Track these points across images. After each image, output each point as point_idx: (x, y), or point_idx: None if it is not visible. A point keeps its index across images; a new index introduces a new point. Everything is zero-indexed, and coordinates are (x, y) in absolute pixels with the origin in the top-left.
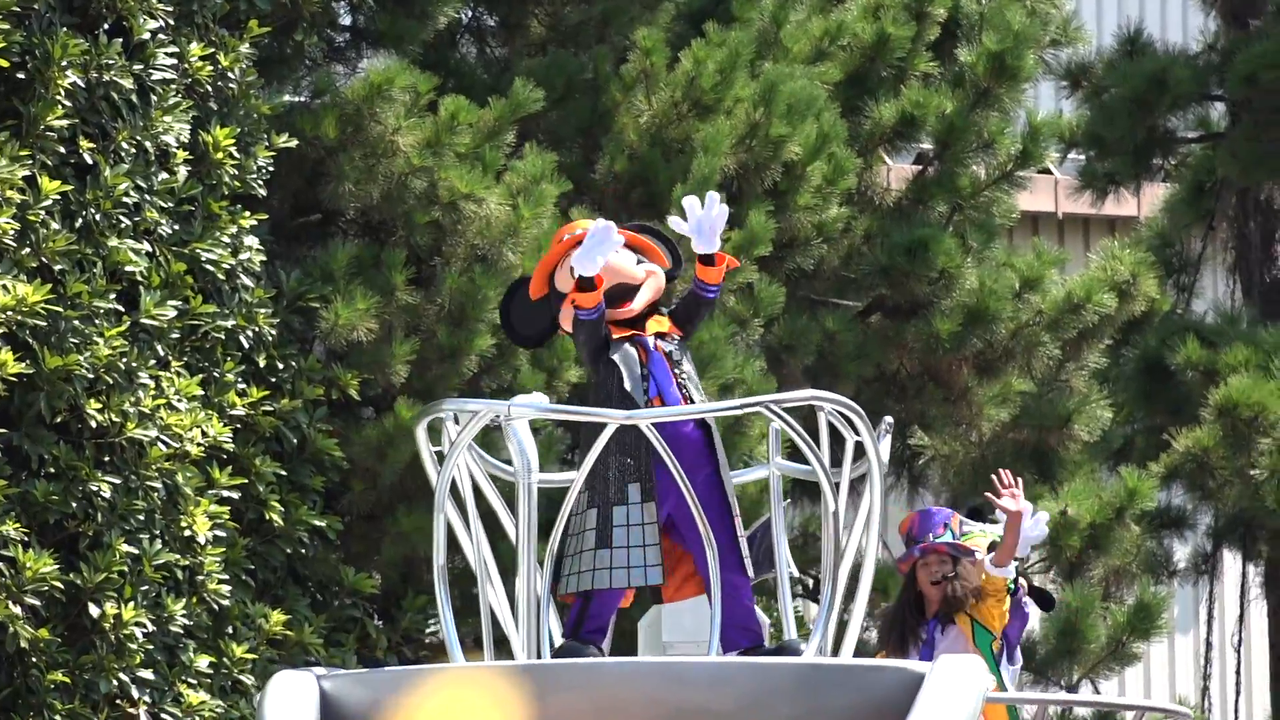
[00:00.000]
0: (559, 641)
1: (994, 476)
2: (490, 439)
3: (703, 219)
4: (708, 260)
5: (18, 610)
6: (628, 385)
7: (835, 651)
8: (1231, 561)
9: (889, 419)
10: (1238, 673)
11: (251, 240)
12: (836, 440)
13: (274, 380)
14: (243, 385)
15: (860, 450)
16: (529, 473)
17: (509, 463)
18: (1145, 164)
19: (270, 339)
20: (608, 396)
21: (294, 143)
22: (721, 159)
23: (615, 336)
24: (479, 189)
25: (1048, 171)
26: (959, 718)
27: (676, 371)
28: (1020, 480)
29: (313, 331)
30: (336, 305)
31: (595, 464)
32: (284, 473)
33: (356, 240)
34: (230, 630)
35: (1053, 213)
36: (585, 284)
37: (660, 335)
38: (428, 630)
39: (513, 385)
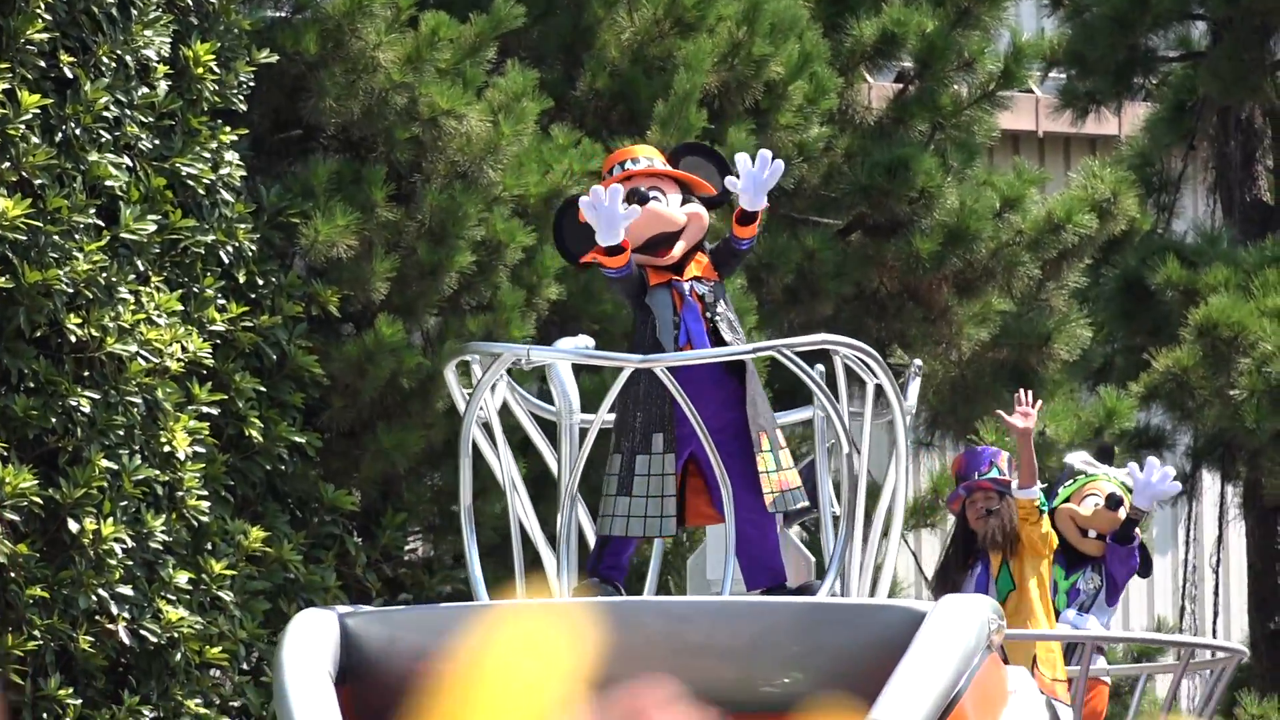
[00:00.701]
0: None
1: (1016, 396)
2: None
3: (755, 175)
4: (748, 218)
5: None
6: (659, 333)
7: (872, 591)
8: (1210, 482)
9: (918, 362)
10: (1215, 593)
11: (232, 155)
12: (856, 382)
13: (254, 296)
14: (222, 301)
15: (881, 392)
16: (571, 413)
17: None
18: (1126, 83)
19: (250, 254)
20: (640, 342)
21: (274, 58)
22: (703, 77)
23: (653, 283)
24: (460, 105)
25: (1029, 90)
26: (956, 654)
27: (709, 315)
28: (1040, 402)
29: (293, 247)
30: (317, 221)
31: (625, 411)
32: (264, 389)
33: (337, 156)
34: (209, 546)
35: (1033, 132)
36: (611, 249)
37: (697, 278)
38: (406, 547)
39: (492, 301)
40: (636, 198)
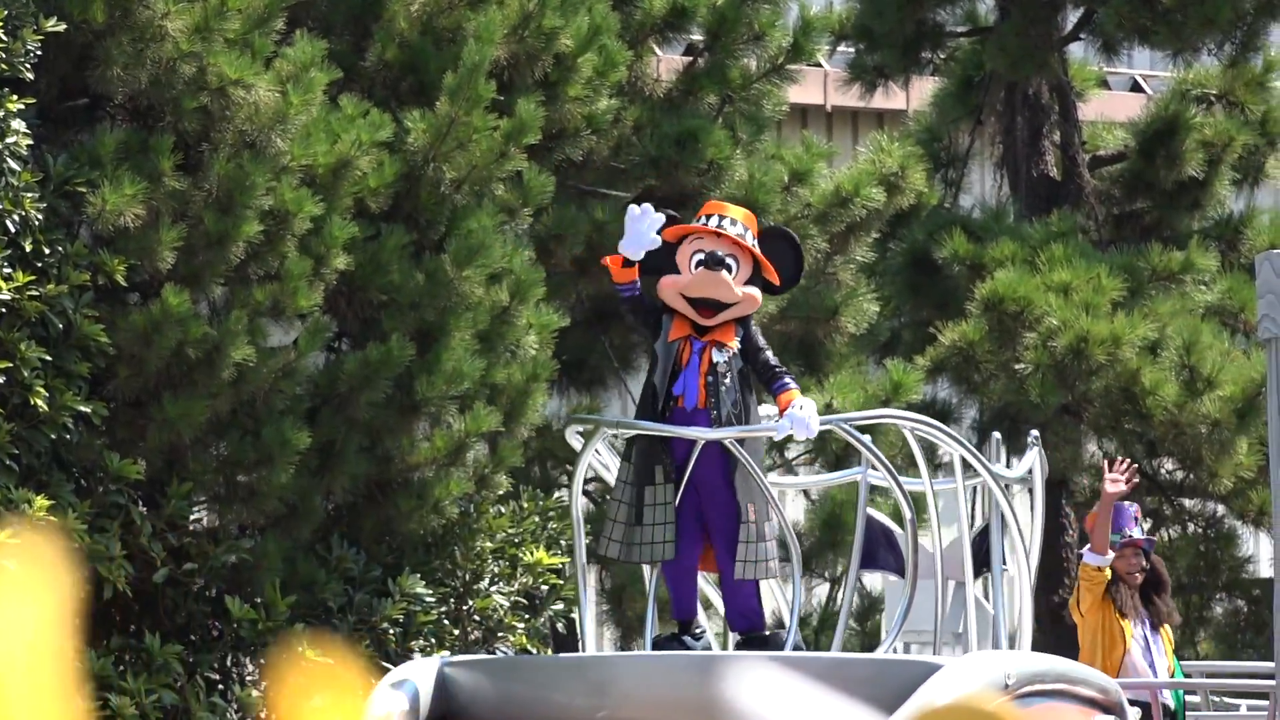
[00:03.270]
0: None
1: (1116, 461)
2: None
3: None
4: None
5: None
6: (657, 377)
7: (1012, 647)
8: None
9: (1035, 432)
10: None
11: (18, 124)
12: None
13: (40, 265)
14: (8, 269)
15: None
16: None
17: None
18: (914, 58)
19: (37, 223)
20: (649, 382)
21: (62, 26)
22: (493, 49)
23: (672, 337)
24: (248, 75)
25: (817, 64)
26: (947, 700)
27: (710, 378)
28: (1135, 466)
29: (80, 216)
30: (104, 190)
31: (642, 447)
32: (49, 358)
33: (124, 125)
34: None
35: (822, 105)
36: (628, 260)
37: (717, 344)
38: (191, 517)
39: (280, 271)
40: (714, 260)
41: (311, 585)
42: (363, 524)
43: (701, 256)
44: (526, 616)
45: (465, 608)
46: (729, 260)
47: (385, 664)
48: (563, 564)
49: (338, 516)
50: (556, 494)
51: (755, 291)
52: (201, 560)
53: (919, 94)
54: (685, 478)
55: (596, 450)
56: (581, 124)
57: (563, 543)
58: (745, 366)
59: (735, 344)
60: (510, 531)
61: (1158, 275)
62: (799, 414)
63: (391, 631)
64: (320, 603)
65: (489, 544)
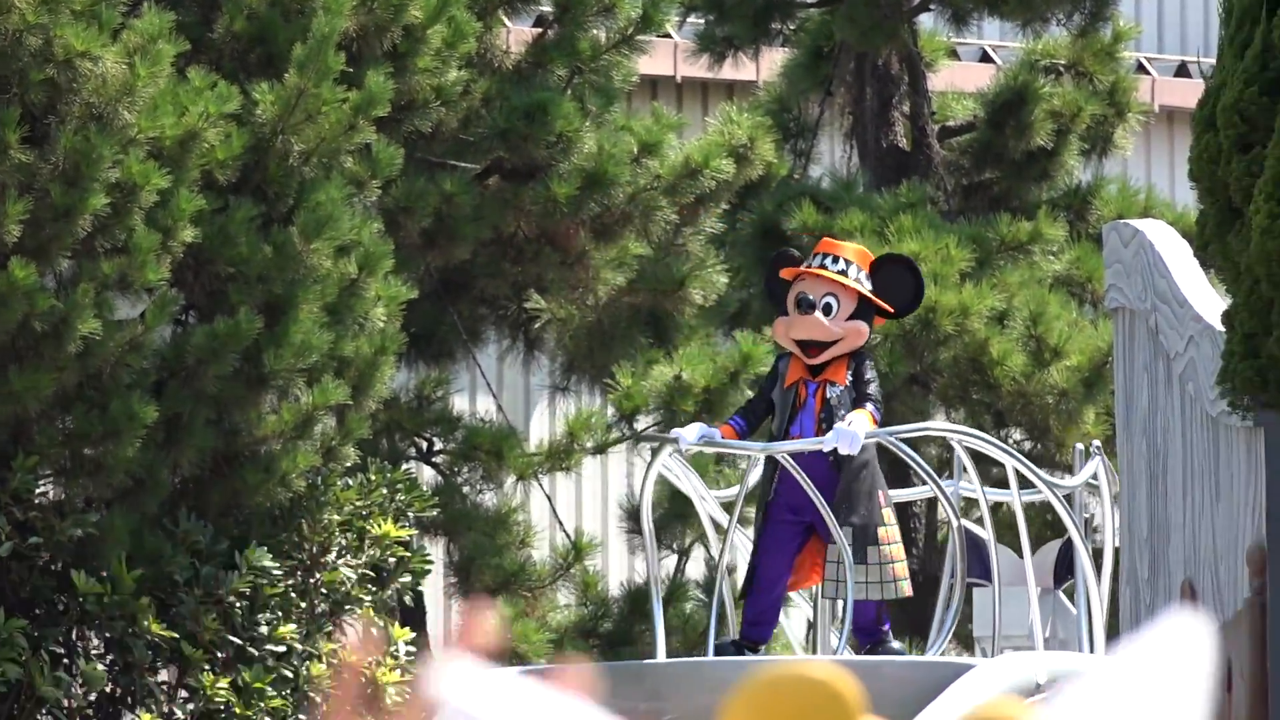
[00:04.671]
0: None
1: None
2: None
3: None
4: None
5: None
6: (774, 424)
7: (1092, 649)
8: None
9: (1096, 443)
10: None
11: None
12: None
13: None
14: None
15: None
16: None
17: None
18: (764, 28)
19: None
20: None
21: None
22: (342, 20)
23: (788, 381)
24: (95, 47)
25: (667, 35)
26: (964, 703)
27: (823, 415)
28: None
29: None
30: None
31: (758, 484)
32: None
33: None
34: None
35: (671, 77)
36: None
37: (829, 381)
38: (37, 491)
39: (127, 244)
40: (804, 304)
41: (158, 559)
42: (210, 497)
43: (797, 298)
44: (374, 589)
45: (313, 580)
46: (826, 300)
47: (232, 638)
48: (410, 536)
49: (184, 490)
50: (404, 466)
51: (859, 325)
52: (47, 534)
53: (769, 65)
54: (796, 512)
55: (666, 466)
56: (430, 96)
57: (410, 515)
58: (856, 398)
59: (847, 378)
60: (358, 504)
61: (1006, 245)
62: (845, 428)
63: (238, 605)
64: (166, 576)
65: (336, 516)
